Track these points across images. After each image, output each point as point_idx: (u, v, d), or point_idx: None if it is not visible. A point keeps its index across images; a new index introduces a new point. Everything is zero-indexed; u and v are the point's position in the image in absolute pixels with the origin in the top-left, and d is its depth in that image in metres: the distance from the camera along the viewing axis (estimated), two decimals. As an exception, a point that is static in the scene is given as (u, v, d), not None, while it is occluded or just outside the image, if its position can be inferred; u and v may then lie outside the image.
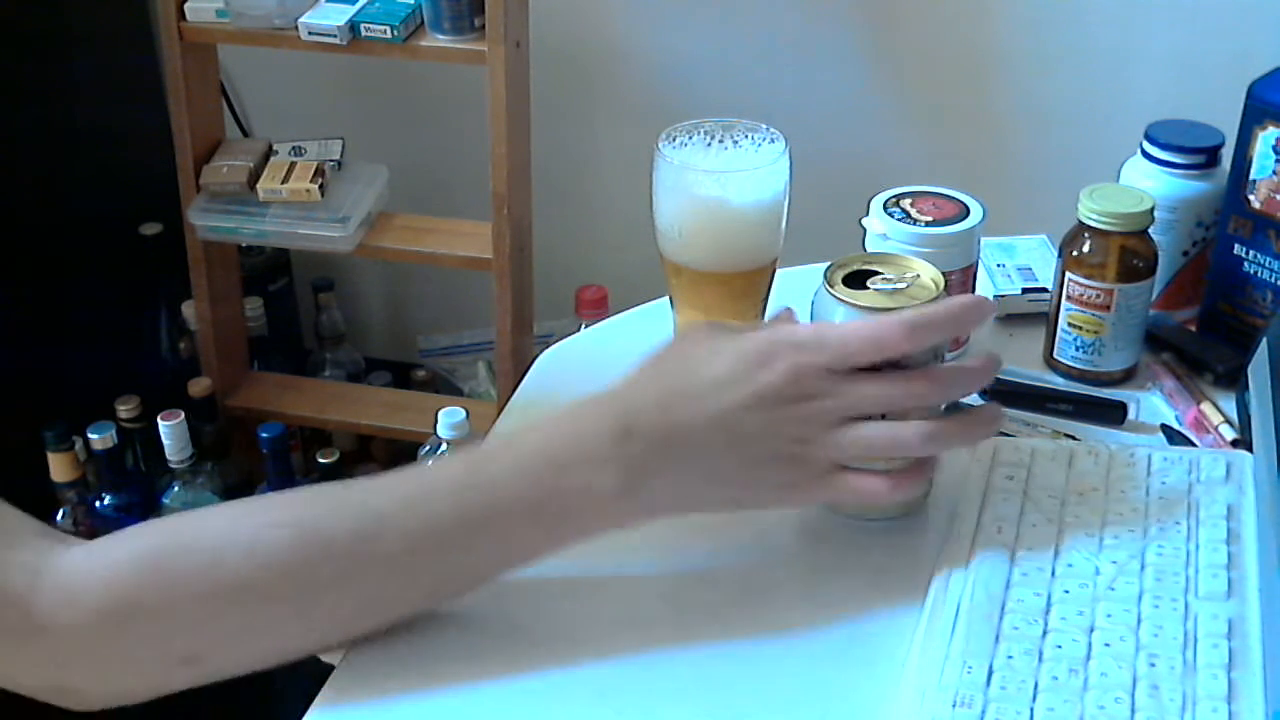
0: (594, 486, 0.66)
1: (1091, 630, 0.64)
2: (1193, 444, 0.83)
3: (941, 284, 0.71)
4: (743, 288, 0.82)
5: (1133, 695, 0.60)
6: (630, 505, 0.67)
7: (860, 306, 0.69)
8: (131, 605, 0.63)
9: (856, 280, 0.71)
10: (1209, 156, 0.91)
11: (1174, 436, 0.84)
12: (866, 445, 0.67)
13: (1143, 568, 0.68)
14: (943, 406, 0.71)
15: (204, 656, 0.65)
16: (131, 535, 0.67)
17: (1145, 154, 0.92)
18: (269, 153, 1.72)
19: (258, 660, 0.66)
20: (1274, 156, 0.84)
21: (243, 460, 1.80)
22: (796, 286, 0.81)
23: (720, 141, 0.81)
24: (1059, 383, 0.89)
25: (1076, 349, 0.88)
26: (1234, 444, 0.81)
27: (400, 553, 0.65)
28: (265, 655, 0.66)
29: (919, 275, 0.72)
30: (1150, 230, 0.86)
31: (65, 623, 0.63)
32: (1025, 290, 0.96)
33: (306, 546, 0.65)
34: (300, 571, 0.64)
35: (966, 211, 0.88)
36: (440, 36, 1.58)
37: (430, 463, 0.71)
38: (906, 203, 0.88)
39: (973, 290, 0.90)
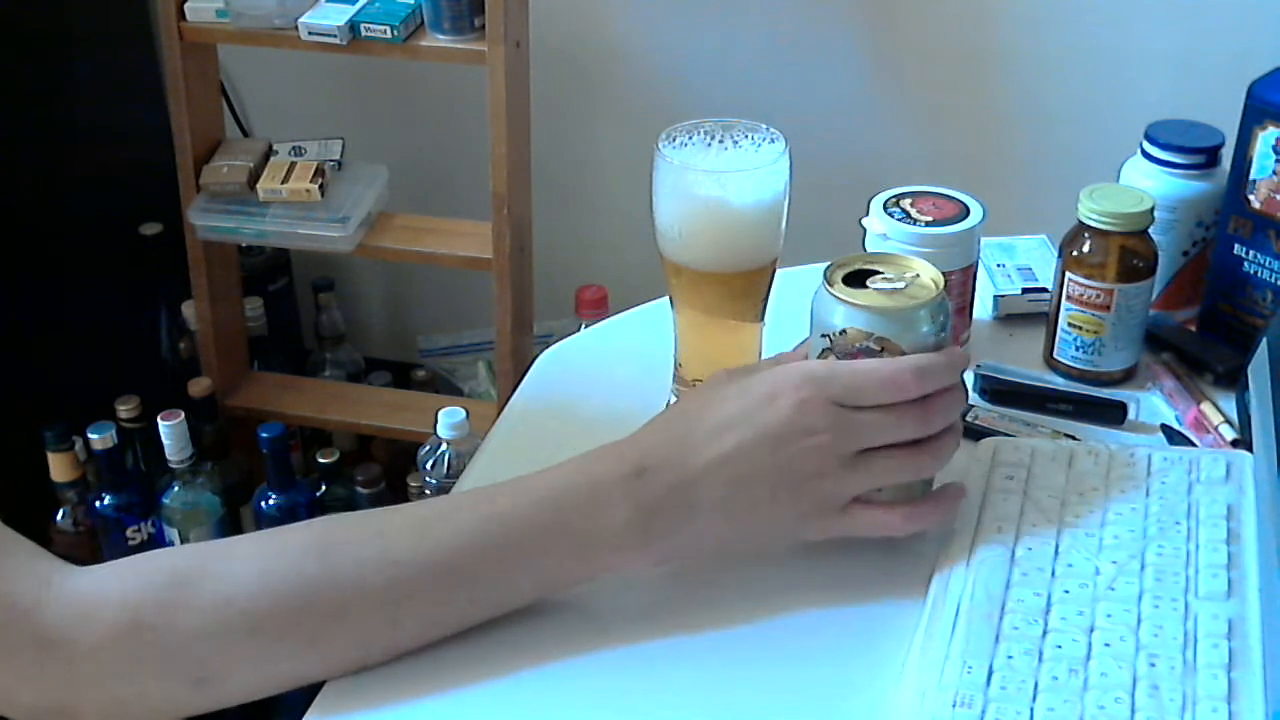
0: (607, 524, 0.67)
1: (1091, 630, 0.64)
2: (1193, 444, 0.83)
3: (941, 283, 0.71)
4: (743, 288, 0.82)
5: (1133, 695, 0.60)
6: (644, 545, 0.68)
7: (860, 306, 0.69)
8: (146, 625, 0.63)
9: (856, 280, 0.71)
10: (1209, 156, 0.91)
11: (1174, 436, 0.84)
12: (883, 476, 0.69)
13: (1143, 568, 0.68)
14: None
15: (216, 680, 0.65)
16: (152, 557, 0.67)
17: (1145, 154, 0.92)
18: (269, 153, 1.72)
19: (270, 686, 0.66)
20: (1274, 156, 0.84)
21: (243, 460, 1.80)
22: (796, 286, 0.81)
23: (720, 141, 0.81)
24: (1059, 383, 0.89)
25: (1076, 349, 0.88)
26: (1234, 444, 0.81)
27: (416, 586, 0.66)
28: (278, 681, 0.66)
29: (919, 275, 0.72)
30: (1150, 230, 0.86)
31: (77, 638, 0.63)
32: (1025, 290, 0.96)
33: (323, 578, 0.65)
34: (316, 603, 0.65)
35: (966, 211, 0.88)
36: (440, 36, 1.58)
37: (450, 493, 0.71)
38: (906, 203, 0.88)
39: (973, 289, 0.90)
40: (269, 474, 1.68)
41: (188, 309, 1.90)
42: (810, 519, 0.69)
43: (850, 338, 0.69)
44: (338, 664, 0.67)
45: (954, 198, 0.89)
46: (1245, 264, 0.88)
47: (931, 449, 0.69)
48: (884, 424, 0.68)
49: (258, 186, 1.67)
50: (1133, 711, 0.60)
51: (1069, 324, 0.88)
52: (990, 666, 0.62)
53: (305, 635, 0.65)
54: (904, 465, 0.69)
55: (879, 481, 0.69)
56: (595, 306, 1.72)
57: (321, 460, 1.77)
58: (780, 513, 0.68)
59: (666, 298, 0.85)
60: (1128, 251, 0.85)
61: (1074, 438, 0.82)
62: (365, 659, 0.67)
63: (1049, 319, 0.90)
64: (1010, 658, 0.63)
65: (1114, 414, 0.85)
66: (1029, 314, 0.95)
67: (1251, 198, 0.86)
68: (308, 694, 0.67)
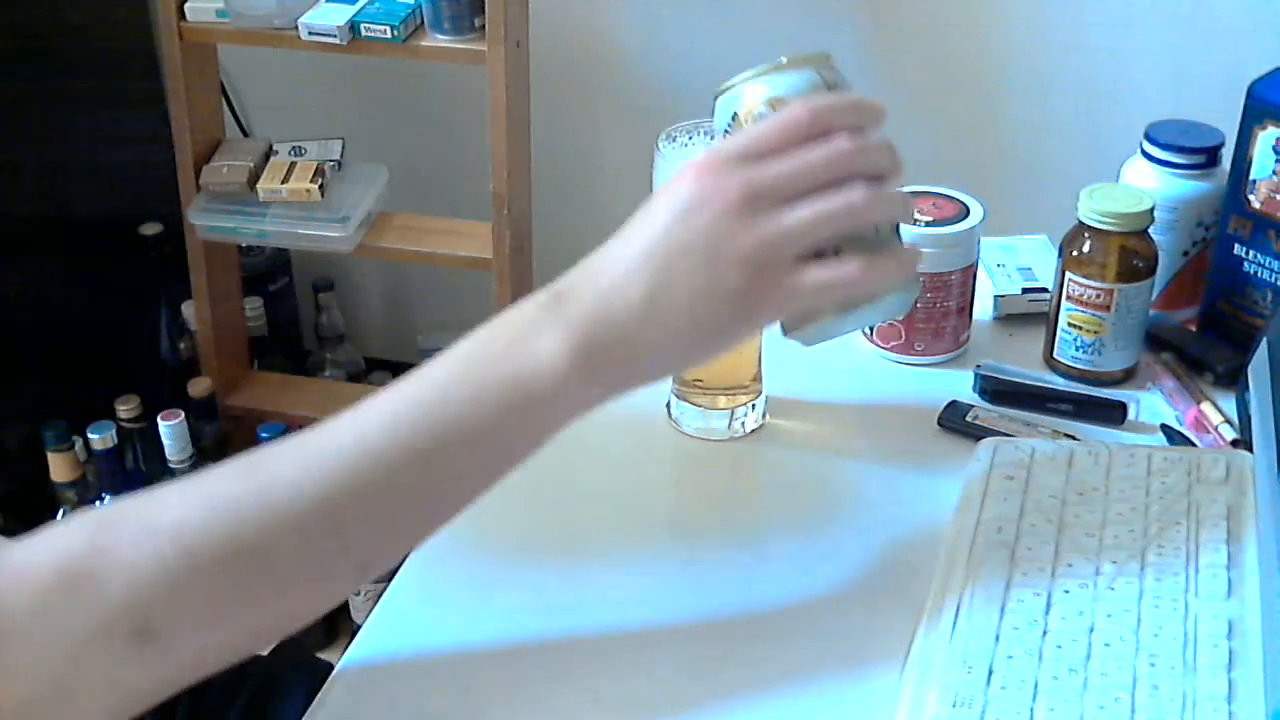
0: (537, 358, 0.61)
1: (1091, 630, 0.64)
2: (1193, 444, 0.83)
3: (826, 55, 0.67)
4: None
5: (1133, 695, 0.60)
6: (583, 370, 0.61)
7: (746, 82, 0.66)
8: (75, 574, 0.57)
9: None
10: (1209, 156, 0.91)
11: (1174, 436, 0.84)
12: (806, 218, 0.61)
13: (1143, 568, 0.68)
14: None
15: (160, 632, 0.57)
16: (83, 512, 0.62)
17: (1145, 154, 0.92)
18: (269, 153, 1.72)
19: (222, 637, 0.59)
20: (1274, 156, 0.84)
21: (243, 460, 1.80)
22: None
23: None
24: (1059, 383, 0.89)
25: (1076, 349, 0.88)
26: (1234, 444, 0.81)
27: (356, 485, 0.60)
28: (230, 629, 0.60)
29: (801, 56, 0.67)
30: (1150, 230, 0.86)
31: (14, 608, 0.57)
32: (1025, 290, 0.96)
33: (255, 492, 0.59)
34: (250, 519, 0.59)
35: (966, 211, 0.89)
36: (440, 36, 1.58)
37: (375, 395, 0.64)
38: (906, 203, 0.88)
39: (973, 289, 0.90)
40: (269, 474, 1.68)
41: (188, 309, 1.90)
42: (750, 289, 0.61)
43: (746, 112, 0.66)
44: (288, 595, 0.60)
45: (954, 198, 0.90)
46: (1245, 264, 0.88)
47: (855, 184, 0.62)
48: (786, 160, 0.61)
49: (258, 186, 1.67)
50: (1133, 711, 0.60)
51: (1069, 324, 0.88)
52: (990, 666, 0.62)
53: (245, 559, 0.58)
54: (826, 200, 0.61)
55: (804, 225, 0.61)
56: (595, 306, 1.71)
57: (322, 460, 1.77)
58: (713, 290, 0.61)
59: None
60: (1128, 251, 0.85)
61: (1074, 438, 0.82)
62: (323, 591, 0.61)
63: (1049, 319, 0.90)
64: (1010, 658, 0.63)
65: (1114, 414, 0.85)
66: (1029, 314, 0.95)
67: (1251, 198, 0.86)
68: (312, 685, 0.67)
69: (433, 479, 0.61)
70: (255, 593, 0.59)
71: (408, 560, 0.75)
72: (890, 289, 0.66)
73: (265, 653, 0.87)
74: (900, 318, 0.70)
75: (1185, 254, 0.93)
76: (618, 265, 0.62)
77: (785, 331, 0.67)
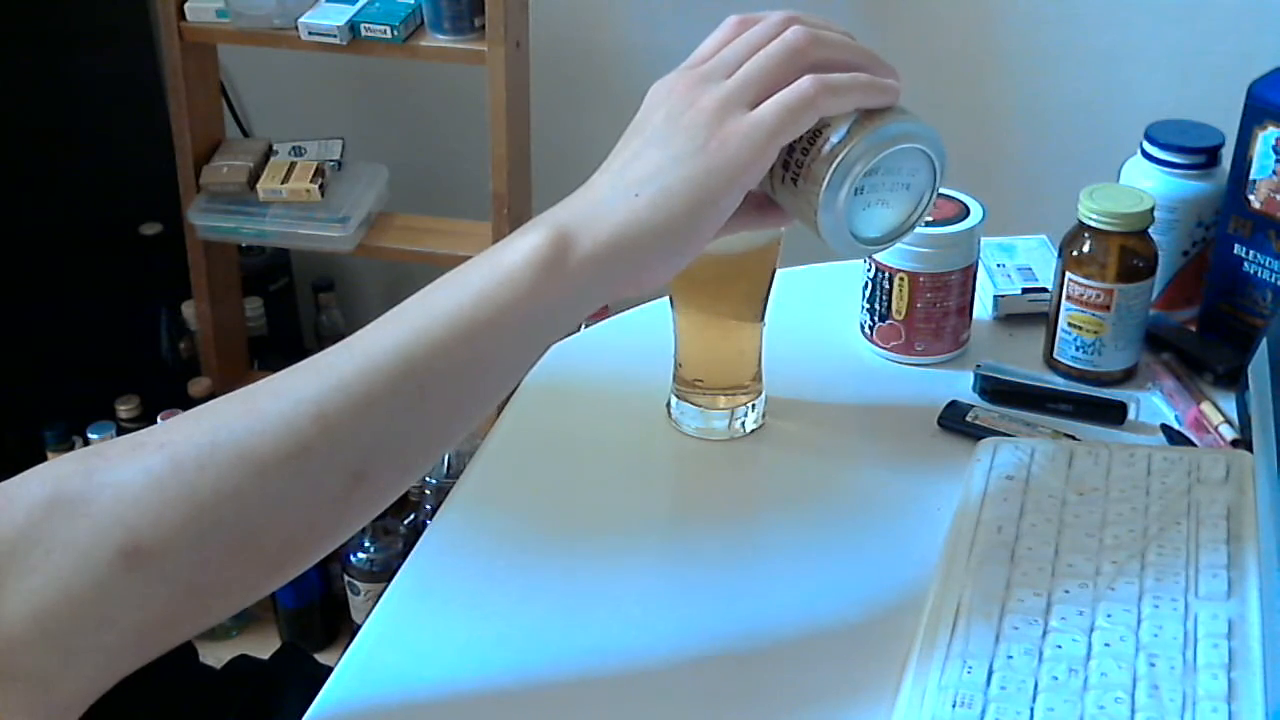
0: (518, 244, 0.62)
1: (1091, 630, 0.64)
2: (1193, 444, 0.83)
3: None
4: (745, 276, 0.82)
5: (1133, 695, 0.60)
6: (560, 246, 0.62)
7: None
8: (63, 493, 0.56)
9: None
10: (1209, 156, 0.91)
11: (1174, 436, 0.84)
12: (758, 68, 0.64)
13: (1143, 568, 0.68)
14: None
15: (148, 552, 0.55)
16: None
17: (1145, 154, 0.92)
18: (269, 153, 1.72)
19: (217, 560, 0.57)
20: (1274, 156, 0.84)
21: (243, 460, 1.80)
22: (797, 287, 0.82)
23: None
24: (1059, 383, 0.89)
25: (1076, 349, 0.88)
26: (1234, 444, 0.81)
27: (342, 393, 0.61)
28: (226, 555, 0.57)
29: None
30: (1150, 230, 0.86)
31: (2, 535, 0.56)
32: (1025, 290, 0.96)
33: (244, 417, 0.59)
34: (240, 446, 0.58)
35: (966, 211, 0.89)
36: (440, 36, 1.58)
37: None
38: (906, 203, 0.88)
39: (973, 289, 0.90)
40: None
41: (188, 309, 1.90)
42: (713, 134, 0.62)
43: None
44: (280, 508, 0.58)
45: (954, 198, 0.90)
46: (1245, 264, 0.88)
47: (793, 29, 0.65)
48: (731, 48, 0.65)
49: (258, 186, 1.67)
50: (1133, 711, 0.60)
51: (1069, 324, 0.88)
52: (990, 666, 0.62)
53: (231, 460, 0.57)
54: (767, 50, 0.64)
55: (752, 71, 0.64)
56: (595, 306, 1.71)
57: (322, 460, 1.77)
58: (679, 151, 0.62)
59: (666, 298, 0.85)
60: (1128, 251, 0.85)
61: (1074, 438, 0.82)
62: (319, 507, 0.59)
63: (1049, 319, 0.90)
64: (1010, 658, 0.63)
65: (1114, 414, 0.85)
66: (1029, 314, 0.95)
67: (1251, 198, 0.86)
68: (311, 686, 0.67)
69: (416, 372, 0.61)
70: (246, 503, 0.57)
71: (407, 561, 0.75)
72: (865, 126, 0.65)
73: (265, 657, 0.87)
74: (927, 195, 0.67)
75: (1185, 254, 0.93)
76: (594, 179, 0.66)
77: (819, 229, 0.67)
